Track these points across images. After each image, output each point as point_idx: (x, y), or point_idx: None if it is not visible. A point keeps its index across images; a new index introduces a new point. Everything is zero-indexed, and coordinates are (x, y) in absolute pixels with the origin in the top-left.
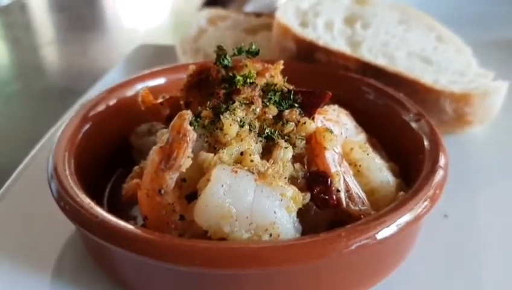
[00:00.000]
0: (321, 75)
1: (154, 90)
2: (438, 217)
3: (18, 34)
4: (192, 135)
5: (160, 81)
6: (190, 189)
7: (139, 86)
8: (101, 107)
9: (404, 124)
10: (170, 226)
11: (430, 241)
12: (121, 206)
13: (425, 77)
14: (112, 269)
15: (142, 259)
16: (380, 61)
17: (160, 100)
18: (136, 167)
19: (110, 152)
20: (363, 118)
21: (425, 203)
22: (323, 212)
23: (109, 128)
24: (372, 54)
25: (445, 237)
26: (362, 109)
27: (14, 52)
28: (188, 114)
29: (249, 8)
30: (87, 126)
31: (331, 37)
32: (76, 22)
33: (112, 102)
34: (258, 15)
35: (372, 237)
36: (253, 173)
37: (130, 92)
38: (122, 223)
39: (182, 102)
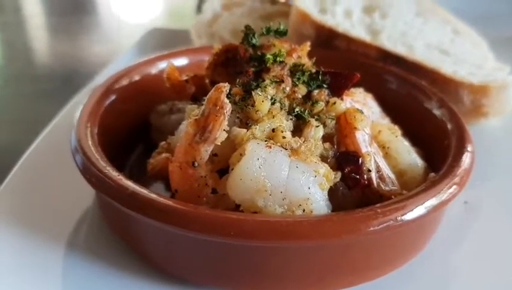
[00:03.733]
0: (343, 62)
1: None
2: (458, 203)
3: (7, 19)
4: (229, 107)
5: (183, 61)
6: (221, 164)
7: (161, 65)
8: (120, 85)
9: (426, 111)
10: (202, 199)
11: (451, 226)
12: (141, 183)
13: (444, 67)
14: (136, 241)
15: (173, 231)
16: (400, 49)
17: (185, 78)
18: (163, 143)
19: (129, 130)
20: (385, 105)
21: (456, 184)
22: (351, 193)
23: (128, 107)
24: (391, 42)
25: (466, 222)
26: (384, 96)
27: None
28: (225, 86)
29: None
30: (107, 102)
31: (351, 24)
32: (69, 6)
33: (132, 80)
34: (273, 2)
35: (407, 215)
36: (286, 149)
37: (150, 71)
38: (153, 194)
39: (207, 80)
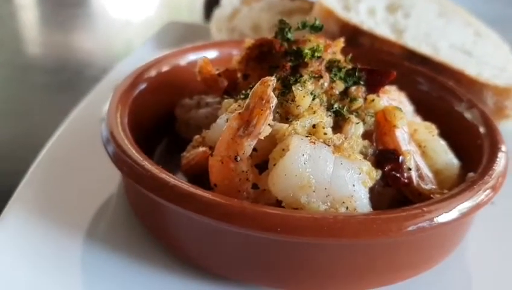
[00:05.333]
0: (370, 60)
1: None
2: None
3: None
4: (275, 102)
5: (211, 54)
6: (259, 159)
7: (187, 58)
8: (147, 77)
9: (456, 111)
10: (242, 194)
11: (480, 226)
12: None
13: (468, 69)
14: (169, 233)
15: (216, 225)
16: (424, 49)
17: (217, 72)
18: (197, 137)
19: (155, 123)
20: (414, 104)
21: (494, 183)
22: (386, 190)
23: (154, 100)
24: (416, 42)
25: (493, 222)
26: (413, 95)
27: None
28: (272, 80)
29: None
30: (134, 95)
31: (375, 22)
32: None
33: (158, 72)
34: None
35: (451, 213)
36: (329, 145)
37: (177, 63)
38: (195, 188)
39: (239, 74)
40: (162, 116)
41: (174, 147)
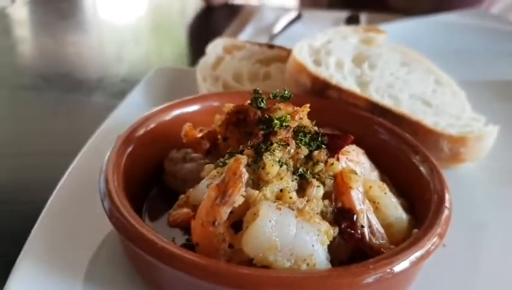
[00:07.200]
0: (337, 112)
1: (189, 116)
2: None
3: None
4: (246, 176)
5: (194, 108)
6: (236, 218)
7: (174, 112)
8: (138, 134)
9: (411, 164)
10: (220, 252)
11: (432, 267)
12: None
13: (426, 119)
14: (159, 284)
15: (200, 283)
16: (386, 101)
17: (200, 134)
18: (182, 196)
19: (145, 175)
20: (373, 155)
21: (436, 239)
22: (345, 244)
23: (145, 153)
24: (379, 94)
25: (444, 264)
26: (373, 147)
27: None
28: (243, 158)
29: (246, 33)
30: (127, 152)
31: (342, 76)
32: (54, 14)
33: (148, 128)
34: (270, 46)
35: (395, 268)
36: (293, 209)
37: (164, 118)
38: (181, 250)
39: (219, 136)
40: (153, 168)
41: (164, 196)
